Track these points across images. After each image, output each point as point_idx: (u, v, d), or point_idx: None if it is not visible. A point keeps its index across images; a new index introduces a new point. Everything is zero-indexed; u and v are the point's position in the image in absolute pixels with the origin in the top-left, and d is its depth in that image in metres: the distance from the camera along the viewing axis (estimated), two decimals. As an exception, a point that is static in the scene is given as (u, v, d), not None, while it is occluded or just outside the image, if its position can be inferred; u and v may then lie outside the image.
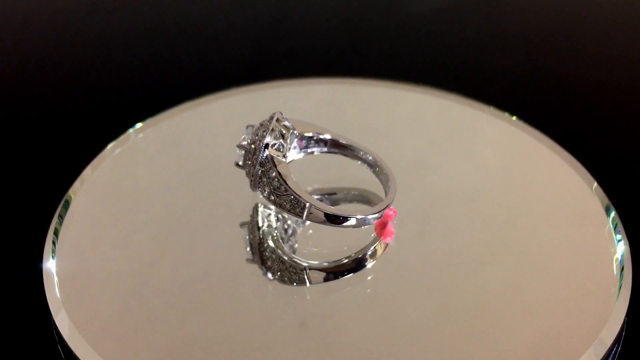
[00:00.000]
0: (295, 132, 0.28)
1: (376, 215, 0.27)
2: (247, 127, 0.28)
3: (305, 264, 0.27)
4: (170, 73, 0.40)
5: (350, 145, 0.29)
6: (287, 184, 0.26)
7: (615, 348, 0.25)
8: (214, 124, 0.34)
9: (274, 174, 0.27)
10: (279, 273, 0.27)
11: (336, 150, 0.29)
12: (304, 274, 0.27)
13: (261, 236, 0.28)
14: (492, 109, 0.34)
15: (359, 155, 0.29)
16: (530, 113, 0.34)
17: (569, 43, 0.43)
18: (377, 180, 0.29)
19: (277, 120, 0.28)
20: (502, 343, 0.24)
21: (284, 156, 0.27)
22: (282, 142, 0.27)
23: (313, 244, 0.28)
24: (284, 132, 0.28)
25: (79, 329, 0.24)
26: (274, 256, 0.28)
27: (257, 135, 0.27)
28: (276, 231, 0.28)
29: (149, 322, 0.25)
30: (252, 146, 0.27)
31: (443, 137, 0.33)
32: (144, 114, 0.33)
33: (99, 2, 0.47)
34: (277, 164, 0.27)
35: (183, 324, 0.25)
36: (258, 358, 0.24)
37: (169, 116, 0.33)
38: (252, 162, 0.27)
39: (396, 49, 0.42)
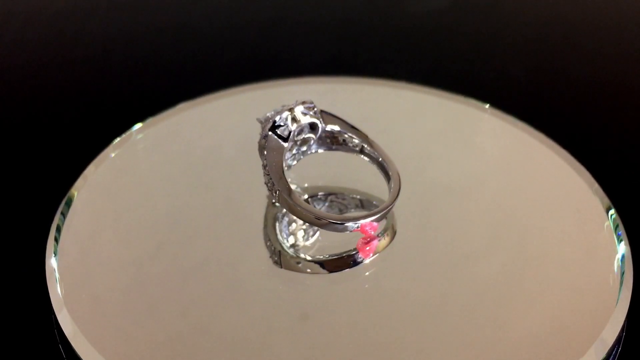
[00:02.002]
0: (321, 124, 0.28)
1: (349, 224, 0.26)
2: (282, 106, 0.28)
3: (279, 249, 0.27)
4: (171, 73, 0.40)
5: (377, 156, 0.28)
6: (269, 164, 0.27)
7: (615, 349, 0.25)
8: (216, 123, 0.34)
9: (265, 152, 0.27)
10: (268, 250, 0.28)
11: (363, 157, 0.29)
12: (278, 258, 0.27)
13: (267, 212, 0.29)
14: (492, 109, 0.34)
15: (384, 166, 0.29)
16: (530, 113, 0.34)
17: (569, 43, 0.43)
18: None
19: (299, 105, 0.28)
20: (502, 343, 0.24)
21: (285, 140, 0.27)
22: (290, 126, 0.27)
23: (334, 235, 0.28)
24: (299, 118, 0.28)
25: (81, 327, 0.24)
26: (266, 232, 0.28)
27: (275, 112, 0.28)
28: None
29: (152, 320, 0.25)
30: (265, 121, 0.28)
31: (442, 137, 0.33)
32: (146, 113, 0.33)
33: (99, 2, 0.47)
34: (269, 143, 0.27)
35: (186, 325, 0.25)
36: (258, 349, 0.24)
37: (170, 115, 0.33)
38: (261, 134, 0.28)
39: (396, 49, 0.42)
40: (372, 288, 0.26)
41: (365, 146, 0.29)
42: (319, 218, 0.26)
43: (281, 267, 0.27)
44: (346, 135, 0.29)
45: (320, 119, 0.28)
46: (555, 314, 0.25)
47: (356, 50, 0.42)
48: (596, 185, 0.30)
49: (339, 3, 0.47)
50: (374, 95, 0.35)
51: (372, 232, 0.26)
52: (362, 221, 0.26)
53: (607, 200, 0.29)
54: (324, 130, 0.29)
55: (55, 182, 0.31)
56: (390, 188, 0.28)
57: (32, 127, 0.36)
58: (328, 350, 0.24)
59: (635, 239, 0.28)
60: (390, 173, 0.28)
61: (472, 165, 0.31)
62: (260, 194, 0.29)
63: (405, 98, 0.35)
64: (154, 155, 0.32)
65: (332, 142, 0.29)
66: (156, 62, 0.41)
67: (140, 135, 0.32)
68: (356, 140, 0.29)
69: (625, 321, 0.25)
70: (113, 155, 0.31)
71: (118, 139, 0.32)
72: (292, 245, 0.28)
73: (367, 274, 0.27)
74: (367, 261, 0.27)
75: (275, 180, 0.27)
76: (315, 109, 0.28)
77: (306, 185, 0.30)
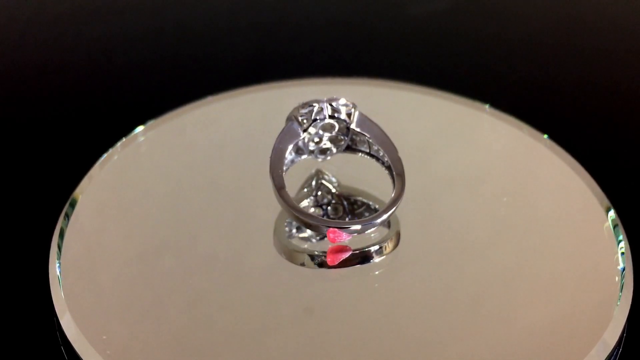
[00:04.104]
0: (351, 128, 0.28)
1: (320, 225, 0.26)
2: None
3: (286, 244, 0.27)
4: (173, 75, 0.40)
5: (395, 173, 0.28)
6: (275, 146, 0.27)
7: (616, 350, 0.25)
8: (219, 124, 0.34)
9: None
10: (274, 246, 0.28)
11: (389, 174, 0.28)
12: (285, 253, 0.27)
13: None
14: (491, 110, 0.34)
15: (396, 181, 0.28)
16: (529, 113, 0.34)
17: (570, 44, 0.43)
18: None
19: (334, 102, 0.28)
20: (502, 346, 0.24)
21: (305, 130, 0.28)
22: (312, 116, 0.28)
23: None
24: (325, 114, 0.28)
25: (84, 331, 0.24)
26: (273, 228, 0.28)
27: (313, 101, 0.28)
28: (311, 201, 0.29)
29: (156, 325, 0.25)
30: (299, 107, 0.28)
31: (441, 138, 0.33)
32: (149, 115, 0.33)
33: (100, 4, 0.47)
34: (287, 127, 0.28)
35: (190, 330, 0.25)
36: (264, 346, 0.24)
37: (173, 117, 0.33)
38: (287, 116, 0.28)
39: (396, 50, 0.42)
40: (377, 285, 0.27)
41: (392, 165, 0.28)
42: (290, 208, 0.26)
43: (288, 262, 0.27)
44: (378, 148, 0.28)
45: (352, 123, 0.28)
46: (555, 316, 0.25)
47: (357, 52, 0.42)
48: (596, 186, 0.30)
49: (340, 5, 0.47)
50: (375, 96, 0.35)
51: (338, 240, 0.26)
52: (328, 227, 0.26)
53: (606, 201, 0.29)
54: (355, 134, 0.28)
55: (58, 184, 0.31)
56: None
57: (33, 130, 0.36)
58: (334, 345, 0.25)
59: (635, 239, 0.28)
60: (394, 193, 0.27)
61: (470, 166, 0.31)
62: (264, 193, 0.28)
63: (405, 99, 0.35)
64: (158, 158, 0.32)
65: (368, 148, 0.29)
66: (158, 64, 0.41)
67: (143, 137, 0.32)
68: (386, 158, 0.28)
69: (626, 322, 0.25)
70: (117, 157, 0.31)
71: (122, 141, 0.32)
72: (300, 240, 0.28)
73: (376, 273, 0.27)
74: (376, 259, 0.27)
75: (271, 161, 0.27)
76: (351, 111, 0.28)
77: (360, 187, 0.30)
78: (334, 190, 0.29)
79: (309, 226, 0.27)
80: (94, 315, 0.25)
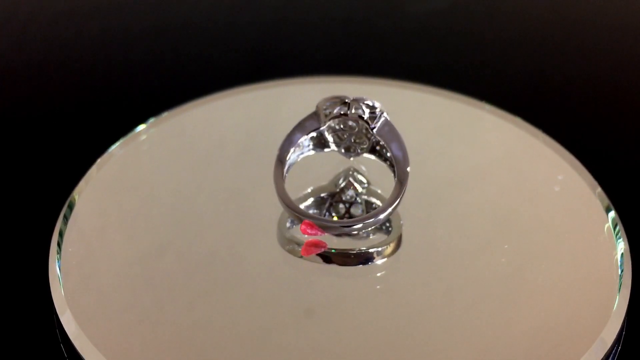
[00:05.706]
0: (371, 132, 0.28)
1: (301, 217, 0.26)
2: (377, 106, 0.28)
3: (290, 239, 0.27)
4: (173, 73, 0.40)
5: (395, 181, 0.27)
6: (290, 133, 0.28)
7: (615, 348, 0.25)
8: (220, 123, 0.34)
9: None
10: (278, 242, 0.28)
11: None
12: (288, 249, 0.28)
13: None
14: (492, 108, 0.34)
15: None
16: (531, 112, 0.34)
17: (571, 43, 0.43)
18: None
19: (358, 101, 0.28)
20: (501, 344, 0.25)
21: (324, 123, 0.28)
22: (337, 110, 0.28)
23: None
24: (346, 110, 0.28)
25: (84, 328, 0.25)
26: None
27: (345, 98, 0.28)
28: (336, 196, 0.29)
29: (155, 322, 0.25)
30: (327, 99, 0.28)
31: (441, 137, 0.33)
32: (150, 114, 0.34)
33: (100, 2, 0.47)
34: (307, 118, 0.28)
35: (191, 326, 0.25)
36: (266, 345, 0.25)
37: (174, 115, 0.33)
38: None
39: (396, 49, 0.42)
40: (379, 287, 0.27)
41: (397, 173, 0.27)
42: (276, 183, 0.27)
43: (289, 262, 0.27)
44: (395, 158, 0.28)
45: (374, 127, 0.28)
46: (554, 314, 0.25)
47: (357, 51, 0.42)
48: (596, 185, 0.30)
49: (340, 4, 0.47)
50: (375, 95, 0.35)
51: (310, 233, 0.26)
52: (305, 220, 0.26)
53: (606, 200, 0.29)
54: (375, 139, 0.28)
55: (59, 183, 0.31)
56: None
57: (34, 129, 0.36)
58: (335, 346, 0.25)
59: (635, 239, 0.28)
60: (396, 193, 0.27)
61: (471, 166, 0.31)
62: (266, 192, 0.28)
63: (405, 98, 0.35)
64: (158, 157, 0.32)
65: (392, 157, 0.28)
66: (159, 62, 0.41)
67: (144, 136, 0.32)
68: (396, 169, 0.27)
69: (624, 320, 0.25)
70: (116, 157, 0.31)
71: (121, 141, 0.32)
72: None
73: (378, 274, 0.27)
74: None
75: (280, 146, 0.27)
76: (376, 115, 0.28)
77: (385, 194, 0.29)
78: (360, 190, 0.29)
79: (285, 208, 0.27)
80: (93, 313, 0.25)
